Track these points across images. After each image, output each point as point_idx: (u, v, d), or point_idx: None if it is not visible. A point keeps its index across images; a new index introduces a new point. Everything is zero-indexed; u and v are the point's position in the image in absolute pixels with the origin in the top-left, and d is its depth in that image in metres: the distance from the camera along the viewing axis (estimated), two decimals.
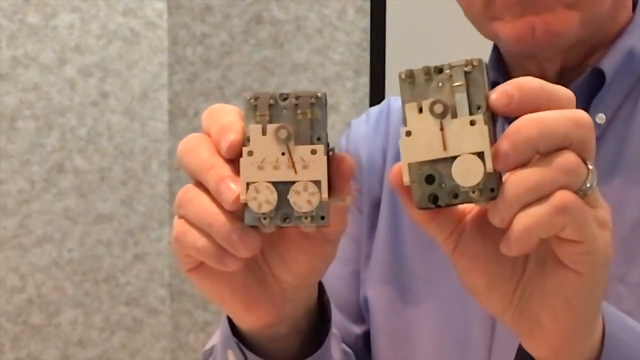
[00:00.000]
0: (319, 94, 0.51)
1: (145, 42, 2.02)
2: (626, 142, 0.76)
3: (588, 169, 0.49)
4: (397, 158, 0.86)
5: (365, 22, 1.92)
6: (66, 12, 1.95)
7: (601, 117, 0.76)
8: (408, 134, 0.50)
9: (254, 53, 1.99)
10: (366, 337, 0.85)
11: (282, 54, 1.97)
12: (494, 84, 0.80)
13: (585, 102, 0.76)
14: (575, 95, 0.75)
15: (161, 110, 2.04)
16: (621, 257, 0.72)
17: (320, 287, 0.65)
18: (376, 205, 0.86)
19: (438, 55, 1.79)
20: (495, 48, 0.83)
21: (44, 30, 1.94)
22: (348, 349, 0.82)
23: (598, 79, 0.76)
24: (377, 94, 1.88)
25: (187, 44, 2.03)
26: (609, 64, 0.76)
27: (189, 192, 0.53)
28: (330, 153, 0.52)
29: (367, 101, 1.91)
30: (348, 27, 1.93)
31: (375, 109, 0.93)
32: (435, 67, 0.50)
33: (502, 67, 0.82)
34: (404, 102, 0.51)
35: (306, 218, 0.51)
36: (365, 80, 1.92)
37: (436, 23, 1.82)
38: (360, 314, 0.86)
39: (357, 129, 0.91)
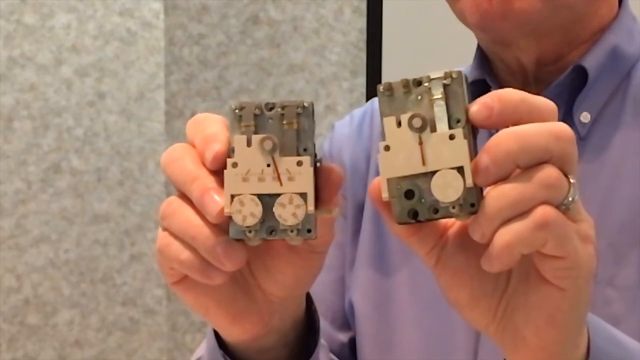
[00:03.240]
0: (305, 104, 0.50)
1: (141, 42, 2.02)
2: (612, 142, 0.75)
3: (569, 182, 0.48)
4: None
5: (362, 23, 1.91)
6: (63, 12, 1.95)
7: (586, 116, 0.75)
8: (387, 148, 0.49)
9: (250, 53, 1.98)
10: (351, 345, 0.85)
11: (279, 54, 1.97)
12: (479, 82, 0.80)
13: (568, 100, 0.75)
14: (558, 93, 0.75)
15: (158, 110, 2.04)
16: (609, 259, 0.71)
17: (308, 298, 0.64)
18: (360, 210, 0.85)
19: (434, 55, 1.80)
20: (479, 46, 0.82)
21: (40, 30, 1.93)
22: (336, 359, 0.81)
23: (581, 77, 0.76)
24: (373, 94, 1.86)
25: (184, 44, 2.02)
26: (591, 61, 0.76)
27: (172, 203, 0.53)
28: (318, 164, 0.51)
29: (363, 101, 1.91)
30: (345, 28, 1.93)
31: (359, 110, 0.91)
32: (414, 79, 0.49)
33: (486, 65, 0.81)
34: (382, 116, 0.50)
35: (292, 231, 0.50)
36: (361, 80, 1.92)
37: (432, 23, 1.82)
38: (346, 320, 0.85)
39: (340, 131, 0.90)
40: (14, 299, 1.92)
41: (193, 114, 2.16)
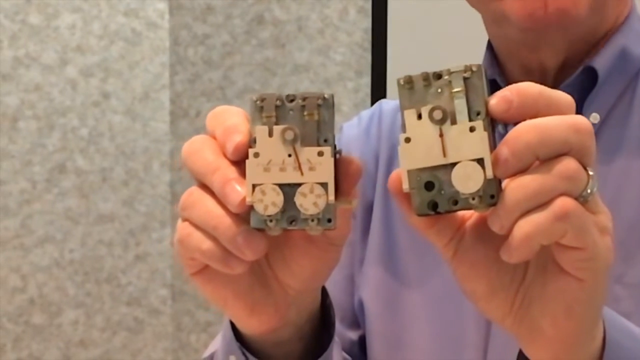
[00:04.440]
0: (326, 95, 0.51)
1: (146, 42, 2.02)
2: (621, 142, 0.75)
3: (588, 174, 0.49)
4: (389, 162, 0.86)
5: (367, 23, 1.92)
6: (68, 12, 1.95)
7: (595, 117, 0.75)
8: (407, 140, 0.50)
9: (255, 53, 1.99)
10: (361, 343, 0.85)
11: (284, 54, 1.98)
12: (489, 81, 0.80)
13: (578, 101, 0.75)
14: (568, 93, 0.75)
15: (163, 110, 2.04)
16: (618, 257, 0.71)
17: (323, 292, 0.65)
18: (369, 209, 0.85)
19: (439, 55, 1.80)
20: (490, 45, 0.82)
21: (45, 30, 1.94)
22: (347, 356, 0.81)
23: (590, 78, 0.76)
24: (378, 95, 1.88)
25: (189, 44, 2.03)
26: (601, 62, 0.76)
27: (193, 194, 0.53)
28: (337, 155, 0.52)
29: (368, 101, 1.91)
30: (349, 28, 1.93)
31: (367, 112, 0.92)
32: (434, 73, 0.50)
33: (496, 64, 0.81)
34: (402, 109, 0.50)
35: (313, 220, 0.50)
36: (366, 80, 1.93)
37: (437, 23, 1.82)
38: (355, 319, 0.85)
39: (348, 133, 0.90)
40: (19, 298, 1.92)
41: (198, 114, 2.18)
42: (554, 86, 0.77)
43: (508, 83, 0.80)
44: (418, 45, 1.84)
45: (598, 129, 0.75)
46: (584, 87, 0.76)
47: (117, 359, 2.00)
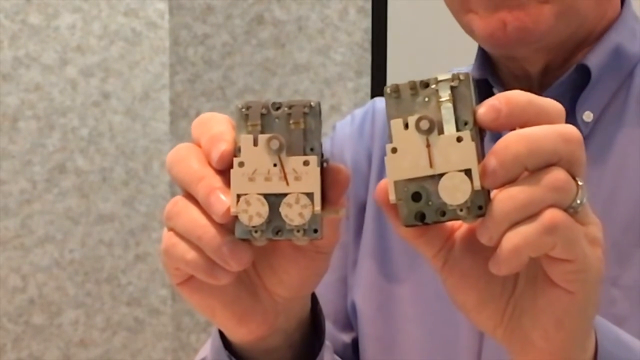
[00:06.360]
0: (312, 103, 0.50)
1: (146, 42, 2.02)
2: (615, 141, 0.75)
3: (578, 185, 0.48)
4: (383, 162, 0.85)
5: (367, 23, 1.91)
6: (68, 12, 1.95)
7: (588, 115, 0.75)
8: (394, 150, 0.49)
9: (255, 53, 1.99)
10: (354, 345, 0.84)
11: (284, 54, 1.97)
12: (480, 81, 0.80)
13: (571, 99, 0.75)
14: (561, 92, 0.75)
15: (163, 110, 2.04)
16: (613, 259, 0.71)
17: (313, 299, 0.64)
18: (361, 209, 0.85)
19: (439, 55, 1.80)
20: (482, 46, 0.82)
21: (45, 30, 1.94)
22: None
23: (583, 76, 0.75)
24: (378, 94, 1.87)
25: (189, 44, 2.03)
26: (594, 60, 0.75)
27: (178, 203, 0.53)
28: (325, 164, 0.51)
29: (368, 102, 1.90)
30: (349, 28, 1.93)
31: (360, 110, 0.91)
32: (421, 81, 0.49)
33: (488, 65, 0.81)
34: (389, 118, 0.50)
35: (298, 231, 0.50)
36: (366, 80, 1.92)
37: (437, 23, 1.81)
38: (348, 321, 0.85)
39: (341, 131, 0.90)
40: (19, 298, 1.92)
41: (198, 114, 2.16)
42: (542, 86, 0.77)
43: (500, 82, 0.80)
44: (418, 45, 1.84)
45: (592, 127, 0.75)
46: (577, 85, 0.75)
47: (117, 359, 2.00)
